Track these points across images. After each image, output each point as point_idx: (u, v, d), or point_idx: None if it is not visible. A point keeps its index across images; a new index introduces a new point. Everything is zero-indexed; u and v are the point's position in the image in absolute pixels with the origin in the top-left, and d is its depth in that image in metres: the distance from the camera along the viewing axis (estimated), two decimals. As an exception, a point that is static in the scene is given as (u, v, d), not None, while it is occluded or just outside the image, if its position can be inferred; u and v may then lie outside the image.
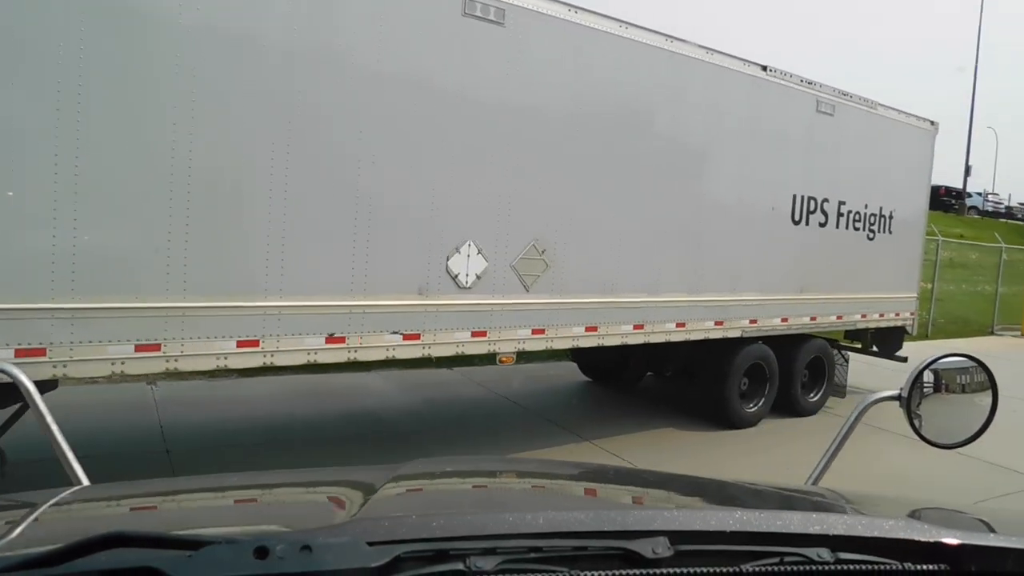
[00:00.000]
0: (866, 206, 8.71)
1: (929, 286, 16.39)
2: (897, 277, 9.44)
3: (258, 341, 4.67)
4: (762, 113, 7.40)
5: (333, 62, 4.79)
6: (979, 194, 41.33)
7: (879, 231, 8.94)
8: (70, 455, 1.58)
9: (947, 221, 28.23)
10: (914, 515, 1.31)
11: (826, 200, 8.16)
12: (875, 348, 9.84)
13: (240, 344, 4.62)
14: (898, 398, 1.83)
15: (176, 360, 4.42)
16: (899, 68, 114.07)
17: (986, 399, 1.83)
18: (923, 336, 14.90)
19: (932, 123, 9.58)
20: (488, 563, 0.91)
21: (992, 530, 1.25)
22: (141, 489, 1.52)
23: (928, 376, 1.84)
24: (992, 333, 17.58)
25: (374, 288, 5.07)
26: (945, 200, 36.21)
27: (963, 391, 1.87)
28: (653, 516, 1.11)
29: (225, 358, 4.59)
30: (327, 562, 0.85)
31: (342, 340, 4.98)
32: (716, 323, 7.16)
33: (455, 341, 5.49)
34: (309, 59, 4.68)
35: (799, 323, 8.03)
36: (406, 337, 5.24)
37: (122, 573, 0.85)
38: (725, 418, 7.64)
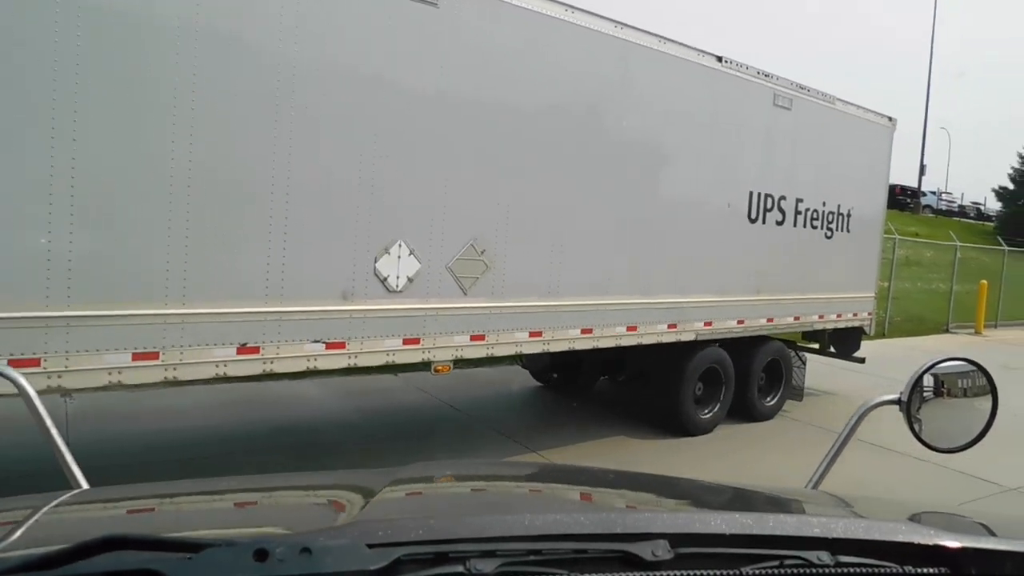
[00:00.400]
0: (824, 204, 8.45)
1: (886, 284, 16.35)
2: (855, 276, 9.21)
3: (157, 353, 4.18)
4: (717, 106, 7.07)
5: (242, 44, 4.32)
6: (933, 193, 42.02)
7: (837, 229, 8.70)
8: (69, 458, 1.57)
9: (903, 219, 28.55)
10: (914, 518, 1.29)
11: (783, 197, 7.87)
12: (833, 349, 9.64)
13: (136, 357, 4.12)
14: (898, 402, 1.80)
15: (59, 376, 3.90)
16: (899, 71, 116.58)
17: (986, 403, 1.80)
18: (880, 335, 14.81)
19: (890, 119, 9.37)
20: (488, 566, 0.90)
21: (992, 533, 1.23)
22: (141, 492, 1.51)
23: (928, 380, 1.81)
24: (947, 331, 17.63)
25: (293, 293, 4.60)
26: (901, 199, 36.77)
27: (963, 395, 1.85)
28: (653, 519, 1.12)
29: (119, 372, 4.09)
30: (327, 564, 0.85)
31: (256, 350, 4.51)
32: (669, 326, 6.81)
33: (385, 349, 5.04)
34: (212, 38, 4.19)
35: (755, 325, 7.73)
36: (329, 346, 4.79)
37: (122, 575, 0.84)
38: (679, 425, 7.29)
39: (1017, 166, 35.45)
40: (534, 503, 1.58)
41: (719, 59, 7.03)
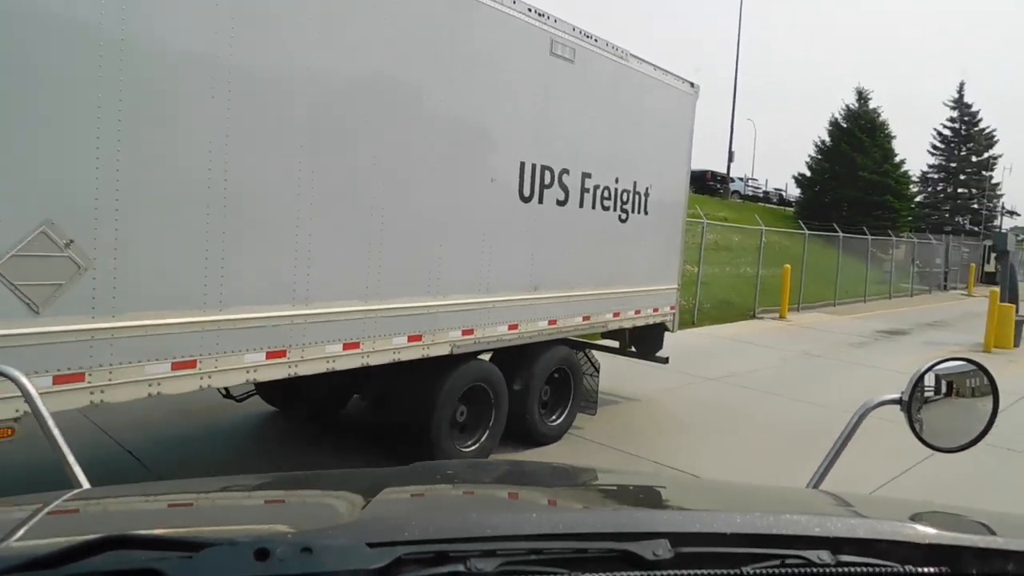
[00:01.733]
0: (617, 180, 7.07)
1: (695, 269, 15.75)
2: (655, 266, 7.97)
3: None
4: (473, 49, 5.40)
5: None
6: (741, 179, 43.71)
7: (633, 211, 7.37)
8: (70, 457, 1.53)
9: (712, 205, 28.98)
10: (915, 517, 1.26)
11: (566, 171, 6.37)
12: (634, 348, 8.41)
13: None
14: (899, 402, 1.76)
15: None
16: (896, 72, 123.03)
17: (987, 403, 1.77)
18: (689, 323, 14.09)
19: (692, 84, 8.19)
20: (488, 565, 0.90)
21: (993, 533, 1.21)
22: (142, 491, 1.49)
23: (929, 379, 1.78)
24: (754, 316, 17.39)
25: None
26: (711, 184, 37.79)
27: (964, 395, 1.81)
28: (654, 518, 1.14)
29: None
30: (328, 564, 0.85)
31: None
32: (411, 338, 5.10)
33: None
34: None
35: (533, 330, 6.21)
36: None
37: (122, 575, 0.83)
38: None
39: (814, 154, 37.30)
40: (534, 502, 1.55)
41: (476, -13, 5.36)
